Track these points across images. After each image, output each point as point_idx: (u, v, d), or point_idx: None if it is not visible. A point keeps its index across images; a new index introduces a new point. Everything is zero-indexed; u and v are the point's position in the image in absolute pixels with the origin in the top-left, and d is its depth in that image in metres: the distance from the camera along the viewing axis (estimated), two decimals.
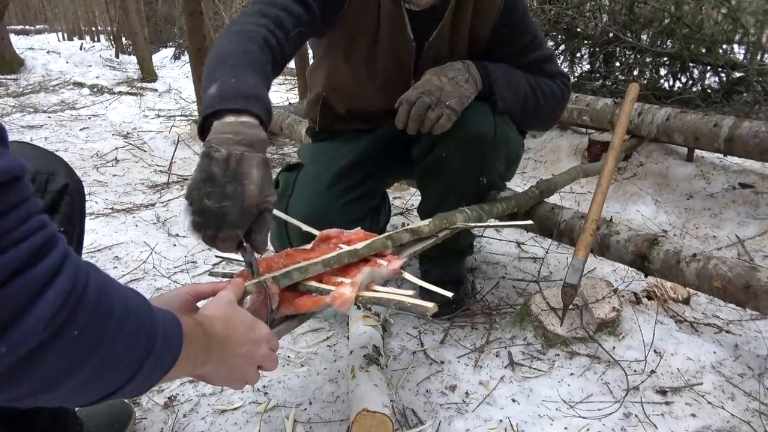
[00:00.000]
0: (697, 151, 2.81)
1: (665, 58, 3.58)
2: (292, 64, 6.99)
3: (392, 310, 1.63)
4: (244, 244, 0.91)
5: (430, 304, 0.92)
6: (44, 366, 0.48)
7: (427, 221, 1.28)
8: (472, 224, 1.36)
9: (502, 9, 1.40)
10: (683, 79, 3.63)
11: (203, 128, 0.95)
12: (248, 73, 1.01)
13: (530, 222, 1.54)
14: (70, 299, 0.48)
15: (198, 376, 0.77)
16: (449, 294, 1.01)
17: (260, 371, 0.86)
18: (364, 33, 1.40)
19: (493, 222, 1.60)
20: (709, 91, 3.44)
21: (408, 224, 1.60)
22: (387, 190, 1.89)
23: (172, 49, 10.33)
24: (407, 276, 1.10)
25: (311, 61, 1.67)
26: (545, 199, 1.83)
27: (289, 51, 1.24)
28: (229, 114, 0.92)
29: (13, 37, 8.72)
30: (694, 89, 3.48)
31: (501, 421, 1.22)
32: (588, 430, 1.20)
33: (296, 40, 1.26)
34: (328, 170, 1.50)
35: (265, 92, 1.02)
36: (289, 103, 4.43)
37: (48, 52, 9.78)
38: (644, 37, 3.69)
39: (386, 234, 1.16)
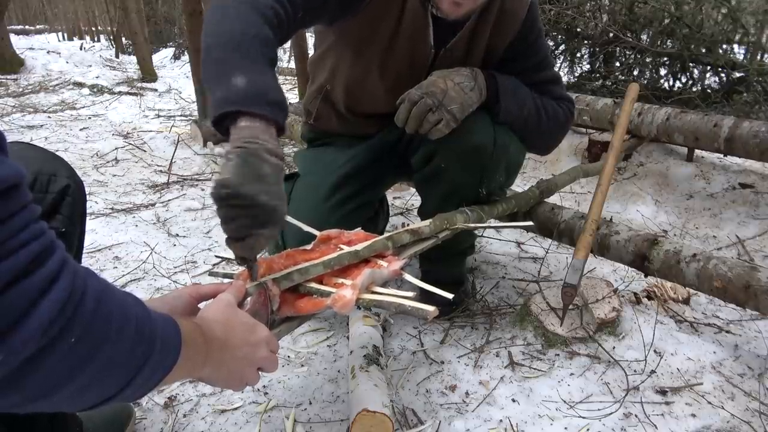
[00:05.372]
0: (697, 151, 2.81)
1: (665, 58, 3.58)
2: (292, 64, 6.98)
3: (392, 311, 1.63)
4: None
5: (430, 308, 0.91)
6: (43, 373, 0.48)
7: (427, 222, 1.28)
8: (473, 225, 1.36)
9: (521, 26, 1.40)
10: (683, 79, 3.64)
11: (222, 117, 0.91)
12: (270, 71, 0.99)
13: (530, 223, 1.54)
14: (67, 307, 0.48)
15: (198, 377, 0.77)
16: (449, 295, 1.01)
17: (260, 372, 0.86)
18: (384, 30, 1.37)
19: (493, 222, 1.60)
20: (709, 91, 3.44)
21: (408, 224, 1.60)
22: (387, 191, 1.89)
23: (172, 49, 10.31)
24: (407, 277, 1.10)
25: (310, 56, 1.65)
26: (545, 199, 1.83)
27: (291, 32, 1.19)
28: (260, 119, 0.90)
29: (13, 37, 8.69)
30: (694, 89, 3.48)
31: (501, 421, 1.23)
32: (588, 430, 1.20)
33: (301, 22, 1.20)
34: (325, 181, 1.49)
35: (278, 85, 0.99)
36: (289, 103, 4.43)
37: (48, 52, 9.76)
38: (644, 37, 3.69)
39: (387, 235, 1.16)
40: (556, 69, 1.67)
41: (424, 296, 1.05)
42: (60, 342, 0.48)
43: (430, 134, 1.29)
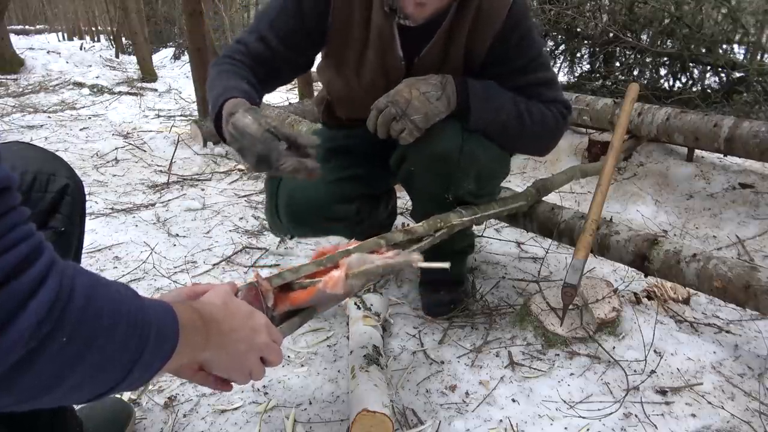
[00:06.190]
0: (697, 151, 2.81)
1: (665, 58, 3.58)
2: None
3: (392, 310, 1.63)
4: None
5: (415, 255, 0.93)
6: (34, 373, 0.48)
7: (422, 222, 1.29)
8: (467, 219, 1.37)
9: (502, 27, 1.34)
10: (683, 79, 3.63)
11: (219, 128, 1.24)
12: (229, 81, 1.28)
13: (447, 264, 1.55)
14: (55, 307, 0.48)
15: (200, 363, 0.77)
16: (446, 265, 0.98)
17: (264, 366, 0.86)
18: (352, 48, 1.39)
19: (493, 211, 1.58)
20: (709, 91, 3.44)
21: (408, 225, 1.61)
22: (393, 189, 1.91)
23: (172, 49, 10.30)
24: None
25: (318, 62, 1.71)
26: (545, 199, 1.83)
27: (289, 75, 1.48)
28: (224, 103, 1.21)
29: (13, 37, 8.69)
30: (694, 89, 3.48)
31: (501, 421, 1.23)
32: (588, 430, 1.20)
33: (291, 69, 1.46)
34: (321, 147, 1.52)
35: (242, 84, 1.27)
36: (289, 103, 4.43)
37: (48, 52, 9.76)
38: (644, 37, 3.69)
39: (380, 235, 1.17)
40: (555, 69, 1.66)
41: (422, 276, 1.06)
42: (50, 343, 0.48)
43: (399, 140, 1.32)
